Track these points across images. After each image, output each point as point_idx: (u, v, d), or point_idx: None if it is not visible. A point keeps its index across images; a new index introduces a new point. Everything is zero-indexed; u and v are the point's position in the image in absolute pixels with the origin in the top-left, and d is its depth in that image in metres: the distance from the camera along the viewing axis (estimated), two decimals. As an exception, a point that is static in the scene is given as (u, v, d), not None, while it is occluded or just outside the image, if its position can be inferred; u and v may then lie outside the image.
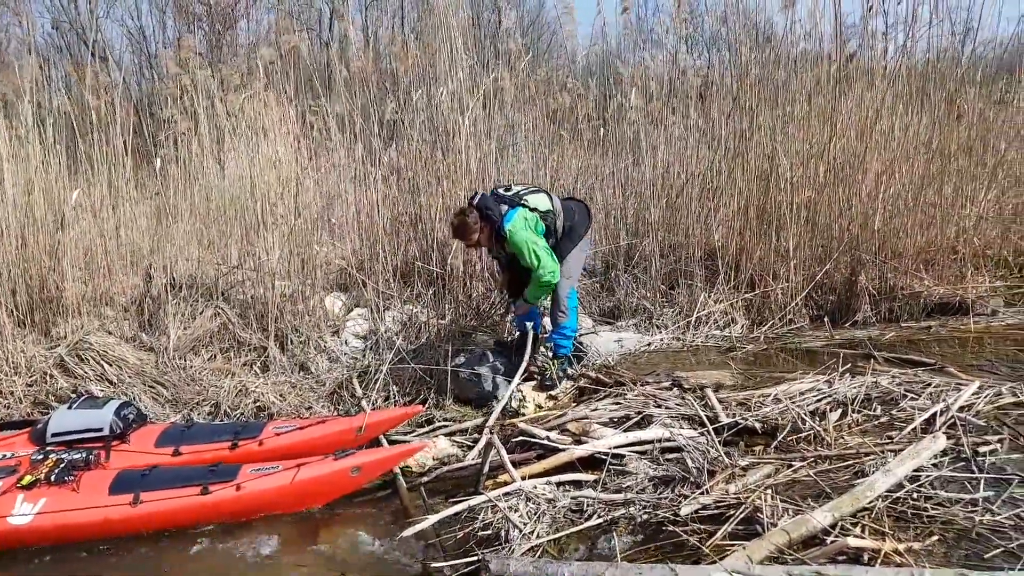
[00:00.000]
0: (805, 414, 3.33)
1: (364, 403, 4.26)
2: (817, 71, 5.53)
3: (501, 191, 4.29)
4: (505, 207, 4.13)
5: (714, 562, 2.13)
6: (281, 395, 4.41)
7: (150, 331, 4.93)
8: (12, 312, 4.65)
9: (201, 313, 4.95)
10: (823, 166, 5.30)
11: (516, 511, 2.86)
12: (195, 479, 3.22)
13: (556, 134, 6.26)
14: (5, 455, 3.41)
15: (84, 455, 3.33)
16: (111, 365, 4.53)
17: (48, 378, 4.41)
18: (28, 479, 3.16)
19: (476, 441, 3.80)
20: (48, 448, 3.45)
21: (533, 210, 4.17)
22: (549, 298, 4.43)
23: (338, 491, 3.35)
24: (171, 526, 3.15)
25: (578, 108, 6.52)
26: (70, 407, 3.65)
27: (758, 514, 2.45)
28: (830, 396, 3.54)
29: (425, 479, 3.53)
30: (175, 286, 5.09)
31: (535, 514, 2.84)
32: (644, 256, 5.63)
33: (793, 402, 3.47)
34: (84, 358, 4.53)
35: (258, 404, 4.35)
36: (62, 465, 3.23)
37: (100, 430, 3.50)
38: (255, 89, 5.49)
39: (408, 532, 2.78)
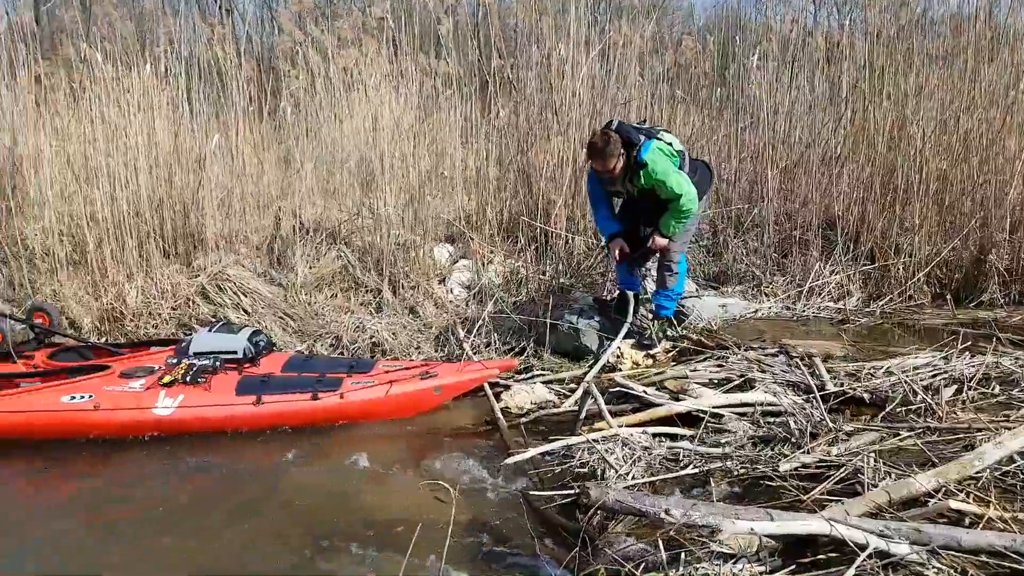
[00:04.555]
0: (917, 388, 3.22)
1: (466, 346, 4.46)
2: (956, 36, 5.14)
3: (635, 124, 4.14)
4: (643, 137, 3.93)
5: (813, 511, 2.15)
6: (393, 334, 4.70)
7: (279, 269, 5.32)
8: (159, 243, 5.15)
9: (325, 255, 5.30)
10: (957, 137, 4.96)
11: (612, 454, 2.96)
12: (307, 386, 3.69)
13: (671, 94, 6.15)
14: (154, 368, 3.85)
15: (212, 362, 3.78)
16: (246, 296, 4.96)
17: (191, 304, 4.89)
18: (168, 378, 3.66)
19: (573, 391, 3.91)
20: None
21: (669, 145, 4.02)
22: (655, 262, 4.41)
23: (423, 406, 3.81)
24: (286, 425, 3.63)
25: (695, 67, 6.34)
26: (210, 331, 4.03)
27: (859, 476, 2.43)
28: (946, 373, 3.40)
29: (524, 420, 3.68)
30: (302, 228, 5.45)
31: (631, 458, 2.93)
32: (757, 222, 5.50)
33: (906, 375, 3.35)
34: (223, 288, 4.97)
35: (373, 340, 4.65)
36: (195, 369, 3.70)
37: (235, 352, 3.89)
38: (369, 47, 5.72)
39: (511, 460, 2.93)
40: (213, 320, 4.61)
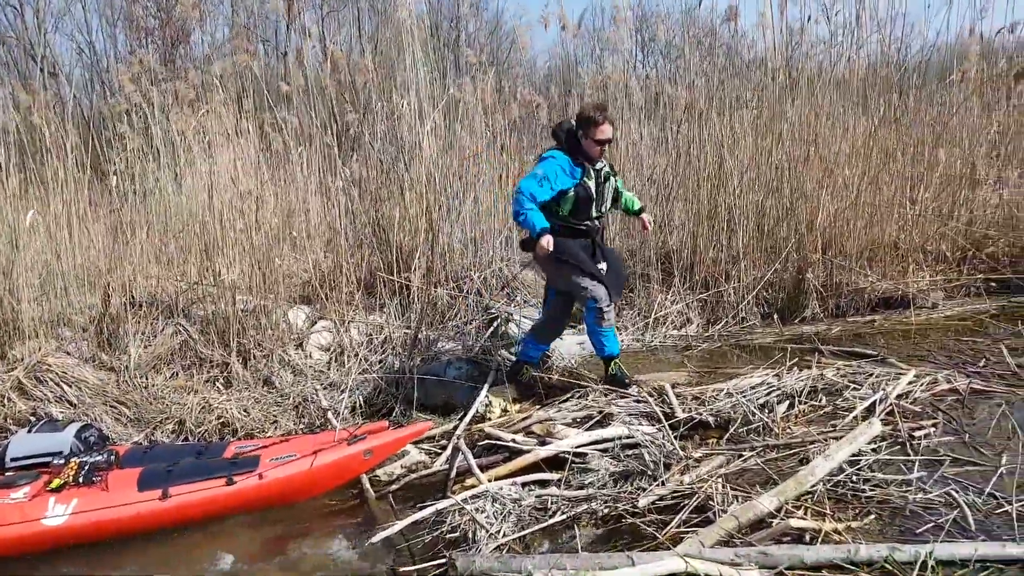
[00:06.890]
0: (755, 407, 3.50)
1: (329, 415, 4.29)
2: (761, 79, 5.77)
3: None
4: None
5: (669, 548, 2.25)
6: (245, 410, 4.39)
7: (110, 351, 4.86)
8: (-33, 336, 4.58)
9: (162, 331, 4.91)
10: (769, 170, 5.52)
11: (483, 512, 2.95)
12: (219, 471, 3.32)
13: (518, 143, 6.36)
14: (37, 473, 3.36)
15: (105, 456, 3.36)
16: (71, 386, 4.46)
17: (6, 401, 4.33)
18: (57, 482, 3.21)
19: (444, 448, 3.86)
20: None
21: None
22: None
23: (352, 474, 3.53)
24: (200, 518, 3.24)
25: (538, 117, 6.63)
26: (30, 431, 3.60)
27: (710, 502, 2.58)
28: (779, 389, 3.73)
29: (394, 487, 3.57)
30: (134, 304, 5.04)
31: (501, 514, 2.94)
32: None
33: (744, 396, 3.63)
34: (43, 380, 4.45)
35: (222, 420, 4.31)
36: (87, 467, 3.28)
37: (60, 453, 3.45)
38: (210, 104, 5.49)
39: (377, 538, 2.84)
40: (32, 418, 4.11)
